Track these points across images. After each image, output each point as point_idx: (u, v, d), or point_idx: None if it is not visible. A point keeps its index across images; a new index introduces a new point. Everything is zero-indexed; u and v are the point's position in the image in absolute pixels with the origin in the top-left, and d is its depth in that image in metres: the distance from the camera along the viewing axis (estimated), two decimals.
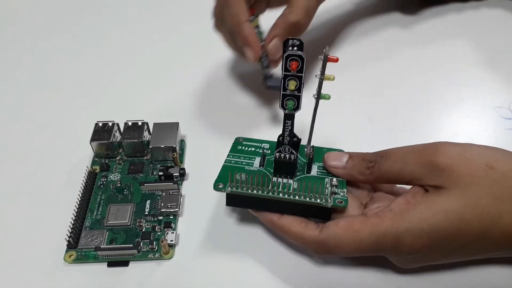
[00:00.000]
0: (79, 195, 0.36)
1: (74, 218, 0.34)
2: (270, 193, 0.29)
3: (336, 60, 0.27)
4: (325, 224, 0.29)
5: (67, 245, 0.33)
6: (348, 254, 0.28)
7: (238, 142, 0.35)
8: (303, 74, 0.27)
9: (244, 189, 0.29)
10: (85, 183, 0.36)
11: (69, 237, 0.33)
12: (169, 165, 0.38)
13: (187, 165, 0.39)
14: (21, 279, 0.32)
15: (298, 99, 0.28)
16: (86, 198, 0.36)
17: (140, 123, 0.39)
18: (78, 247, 0.33)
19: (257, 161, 0.32)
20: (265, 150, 0.32)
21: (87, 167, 0.38)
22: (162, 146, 0.37)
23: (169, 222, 0.34)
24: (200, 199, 0.36)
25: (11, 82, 0.48)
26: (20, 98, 0.46)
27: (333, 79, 0.28)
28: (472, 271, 0.31)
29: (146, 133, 0.39)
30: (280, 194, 0.29)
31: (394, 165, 0.28)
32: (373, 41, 0.50)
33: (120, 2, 0.58)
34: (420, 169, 0.27)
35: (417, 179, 0.28)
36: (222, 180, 0.30)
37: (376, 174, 0.29)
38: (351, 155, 0.31)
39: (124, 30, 0.54)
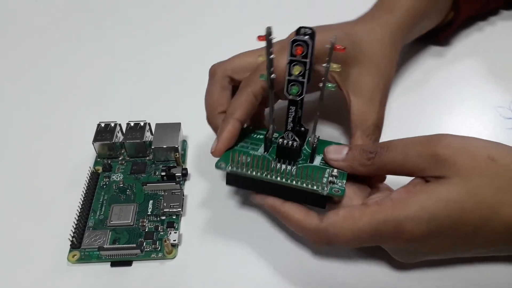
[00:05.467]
0: (82, 195, 0.36)
1: (77, 218, 0.34)
2: (269, 176, 0.29)
3: (343, 50, 0.27)
4: (325, 214, 0.29)
5: (70, 245, 0.33)
6: (347, 243, 0.28)
7: (247, 128, 0.35)
8: (307, 60, 0.27)
9: (244, 170, 0.30)
10: (87, 183, 0.37)
11: (73, 237, 0.33)
12: (172, 165, 0.38)
13: (189, 165, 0.39)
14: (25, 279, 0.32)
15: (302, 85, 0.28)
16: (89, 198, 0.36)
17: (142, 124, 0.39)
18: (81, 247, 0.33)
19: (262, 148, 0.33)
20: (271, 136, 0.32)
21: (90, 167, 0.38)
22: (164, 147, 0.38)
23: (172, 222, 0.35)
24: (202, 199, 0.37)
25: (15, 83, 0.49)
26: (23, 99, 0.46)
27: (339, 69, 0.28)
28: (475, 268, 0.32)
29: (148, 134, 0.39)
30: (278, 178, 0.29)
31: (396, 156, 0.28)
32: None
33: (123, 4, 0.58)
34: (423, 161, 0.27)
35: (419, 171, 0.28)
36: (224, 160, 0.30)
37: (378, 165, 0.29)
38: (351, 147, 0.31)
39: (126, 31, 0.54)
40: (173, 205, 0.35)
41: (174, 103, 0.45)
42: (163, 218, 0.35)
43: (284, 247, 0.33)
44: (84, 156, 0.39)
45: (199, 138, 0.41)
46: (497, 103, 0.43)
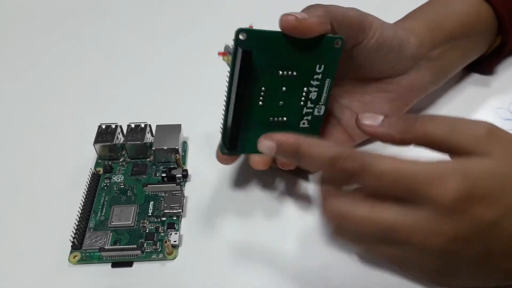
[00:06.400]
0: (83, 196, 0.36)
1: (78, 220, 0.34)
2: None
3: None
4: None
5: (71, 246, 0.33)
6: (383, 174, 0.25)
7: None
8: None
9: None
10: (88, 184, 0.37)
11: (74, 238, 0.33)
12: (172, 166, 0.38)
13: (190, 166, 0.39)
14: (26, 280, 0.33)
15: None
16: (90, 199, 0.36)
17: (143, 125, 0.39)
18: (82, 248, 0.33)
19: None
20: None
21: (91, 169, 0.38)
22: (165, 148, 0.38)
23: (172, 223, 0.35)
24: (202, 200, 0.37)
25: (15, 83, 0.49)
26: (23, 100, 0.47)
27: None
28: None
29: (148, 135, 0.39)
30: None
31: (441, 128, 0.26)
32: None
33: (123, 6, 0.58)
34: (470, 145, 0.25)
35: (462, 150, 0.26)
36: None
37: (419, 133, 0.26)
38: (386, 115, 0.28)
39: (127, 32, 0.54)
40: (173, 206, 0.35)
41: (175, 104, 0.45)
42: (164, 219, 0.35)
43: (284, 249, 0.34)
44: (85, 157, 0.40)
45: (199, 139, 0.42)
46: (496, 105, 0.43)
